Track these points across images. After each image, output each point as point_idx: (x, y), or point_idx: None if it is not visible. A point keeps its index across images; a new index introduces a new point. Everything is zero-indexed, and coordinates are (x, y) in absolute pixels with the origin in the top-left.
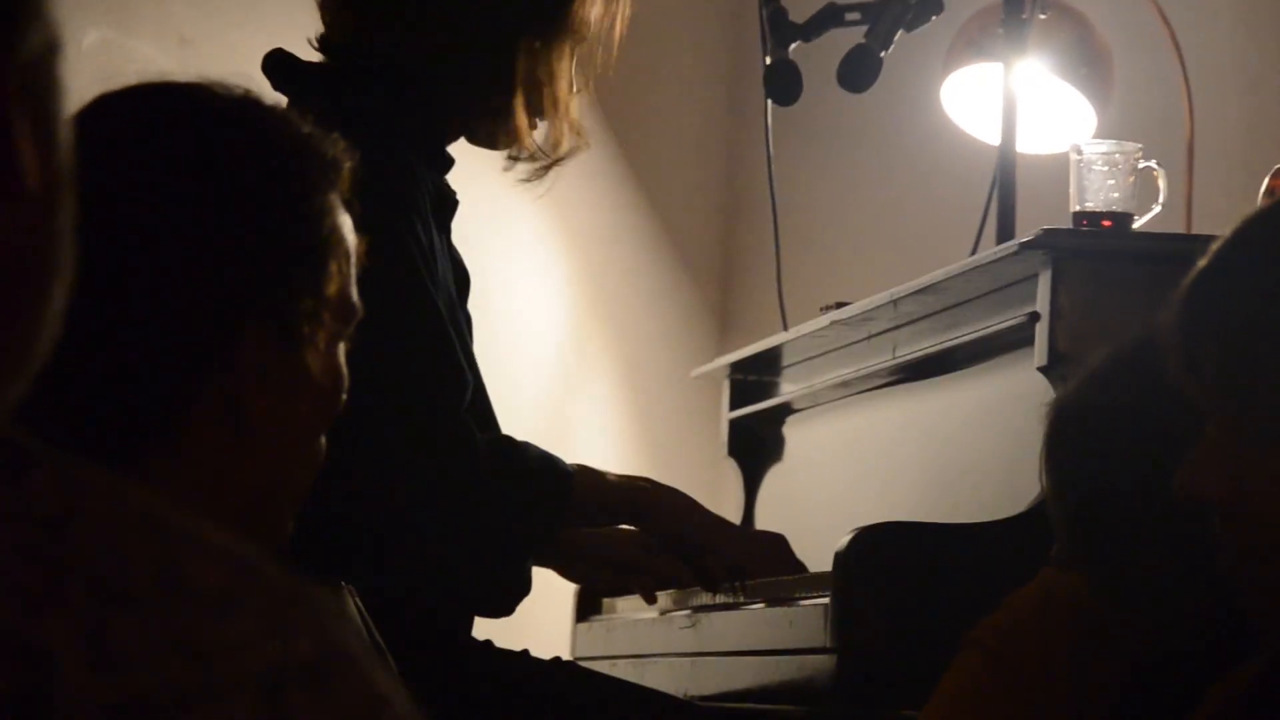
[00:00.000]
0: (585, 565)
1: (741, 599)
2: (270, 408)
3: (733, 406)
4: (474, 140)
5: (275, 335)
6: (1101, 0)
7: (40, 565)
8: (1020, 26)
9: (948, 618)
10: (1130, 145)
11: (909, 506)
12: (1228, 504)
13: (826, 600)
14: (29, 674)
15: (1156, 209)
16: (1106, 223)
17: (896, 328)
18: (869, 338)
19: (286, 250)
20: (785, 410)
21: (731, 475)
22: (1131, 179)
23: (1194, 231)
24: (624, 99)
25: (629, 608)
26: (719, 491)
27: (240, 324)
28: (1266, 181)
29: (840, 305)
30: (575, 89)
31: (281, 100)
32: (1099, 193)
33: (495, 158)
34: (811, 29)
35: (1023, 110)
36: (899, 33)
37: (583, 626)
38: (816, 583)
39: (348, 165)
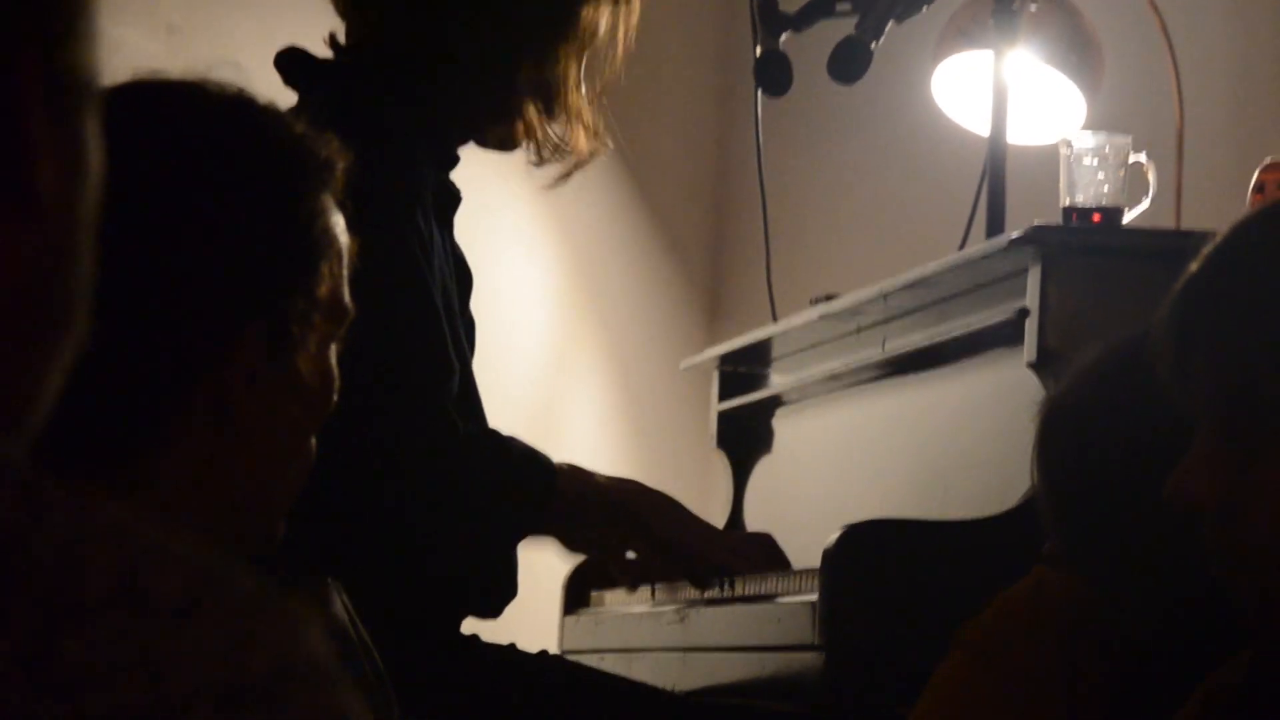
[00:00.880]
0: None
1: (731, 593)
2: (260, 409)
3: (722, 398)
4: (483, 144)
5: (266, 337)
6: None
7: None
8: (1011, 17)
9: (937, 615)
10: (1120, 139)
11: (898, 500)
12: (1220, 511)
13: (814, 598)
14: None
15: (1146, 203)
16: (1096, 217)
17: (886, 321)
18: (858, 331)
19: (278, 252)
20: (775, 402)
21: (720, 467)
22: (1121, 173)
23: (1182, 221)
24: (613, 90)
25: (617, 601)
26: (708, 483)
27: (232, 326)
28: (1256, 175)
29: (829, 297)
30: (586, 92)
31: (286, 95)
32: (1089, 187)
33: (482, 150)
34: (802, 19)
35: (1013, 100)
36: (890, 24)
37: (571, 619)
38: (804, 579)
39: (341, 166)
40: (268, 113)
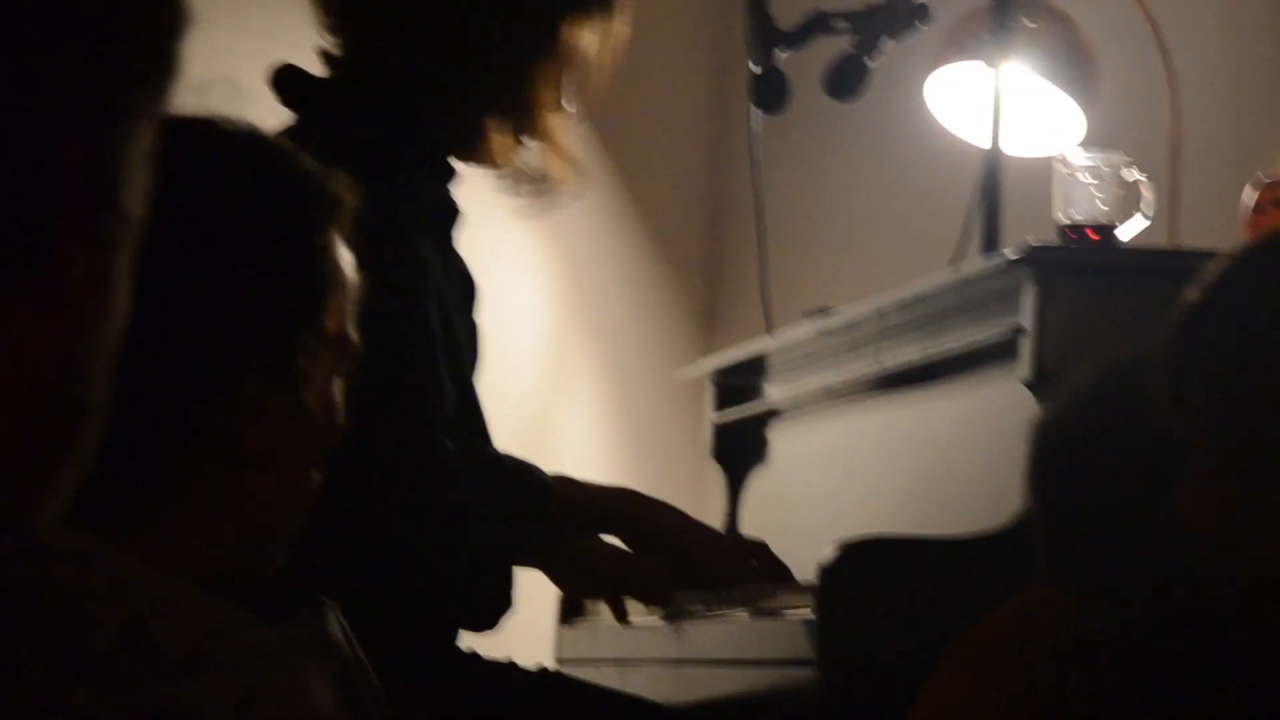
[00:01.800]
0: (575, 575)
1: (727, 608)
2: (266, 442)
3: (717, 409)
4: (462, 158)
5: (274, 371)
6: (1086, 1)
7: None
8: (1007, 31)
9: (931, 631)
10: (1116, 156)
11: (892, 514)
12: (1220, 538)
13: (809, 612)
14: None
15: (1144, 222)
16: (1092, 234)
17: (881, 337)
18: (853, 346)
19: (288, 288)
20: (770, 415)
21: (715, 478)
22: (1120, 191)
23: (1177, 235)
24: (608, 101)
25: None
26: (703, 494)
27: (240, 360)
28: (1254, 194)
29: (823, 310)
30: (565, 114)
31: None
32: (1084, 204)
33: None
34: (799, 36)
35: (1008, 113)
36: (887, 41)
37: (566, 630)
38: (800, 594)
39: (350, 203)
40: (278, 149)
